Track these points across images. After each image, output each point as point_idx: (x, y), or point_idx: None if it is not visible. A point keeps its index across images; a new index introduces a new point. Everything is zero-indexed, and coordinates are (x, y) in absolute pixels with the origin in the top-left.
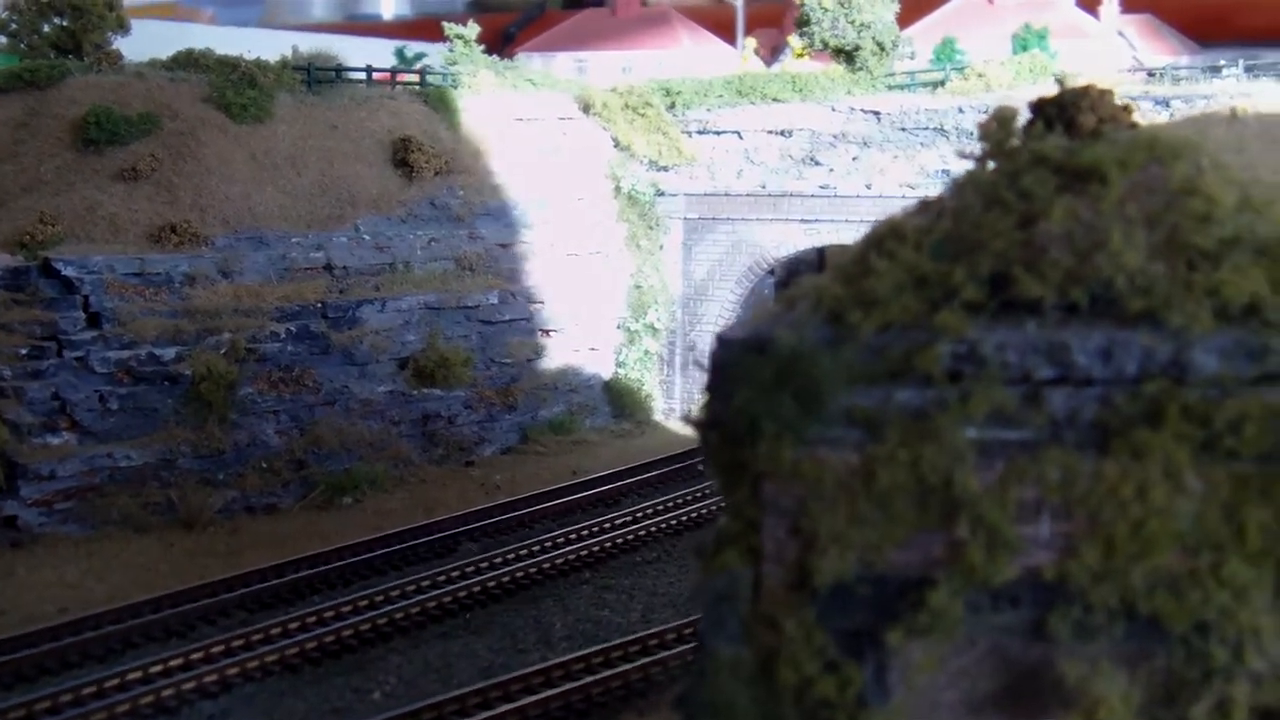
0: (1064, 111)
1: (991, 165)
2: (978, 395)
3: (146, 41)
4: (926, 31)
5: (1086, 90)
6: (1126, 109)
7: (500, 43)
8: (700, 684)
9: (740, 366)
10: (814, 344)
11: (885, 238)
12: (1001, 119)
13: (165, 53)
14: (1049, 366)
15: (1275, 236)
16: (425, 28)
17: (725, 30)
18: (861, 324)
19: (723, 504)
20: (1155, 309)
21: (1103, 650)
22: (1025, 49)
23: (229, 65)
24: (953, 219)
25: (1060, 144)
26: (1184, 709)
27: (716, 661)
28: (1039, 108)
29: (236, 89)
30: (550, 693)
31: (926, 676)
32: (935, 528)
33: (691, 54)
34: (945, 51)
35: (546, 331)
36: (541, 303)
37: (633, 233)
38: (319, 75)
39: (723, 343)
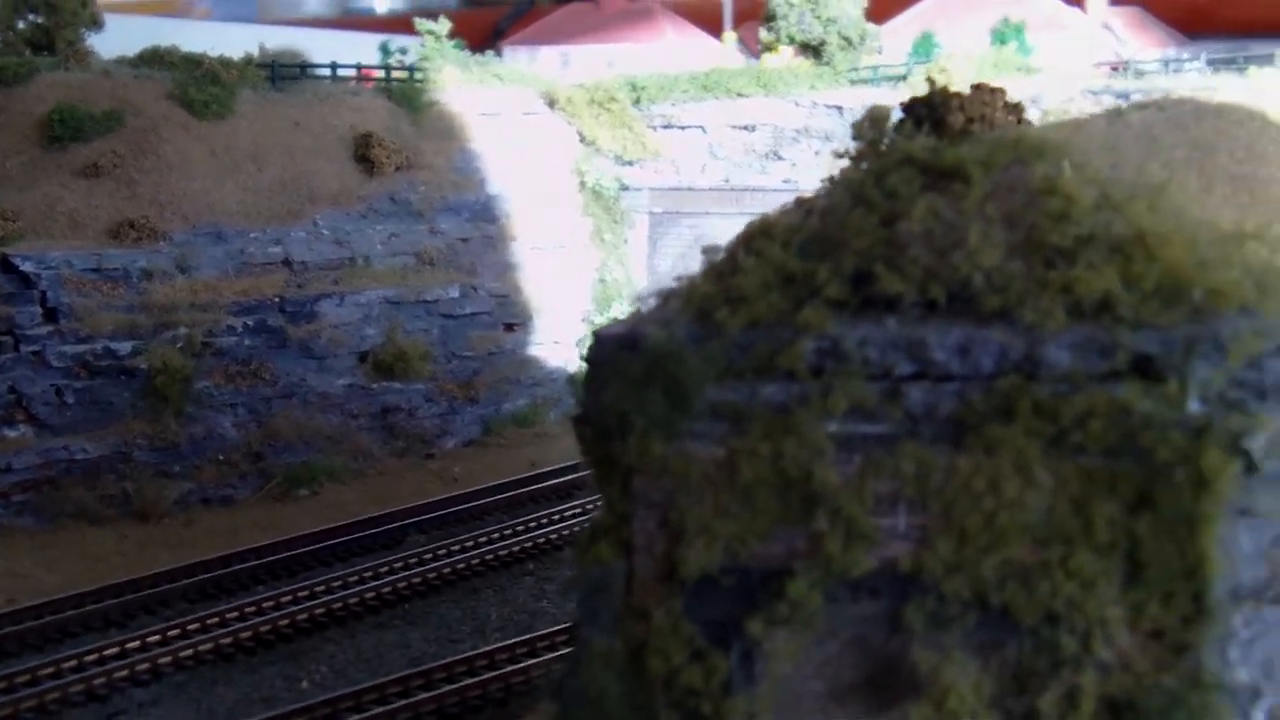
0: (934, 111)
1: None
2: (838, 390)
3: (131, 37)
4: (908, 25)
5: (956, 91)
6: (1015, 108)
7: (492, 37)
8: (574, 673)
9: (612, 363)
10: (682, 341)
11: (755, 236)
12: (874, 118)
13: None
14: (908, 362)
15: (1130, 234)
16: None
17: (714, 23)
18: (729, 321)
19: (596, 495)
20: (1010, 306)
21: (956, 640)
22: (1003, 42)
23: (193, 62)
24: (820, 218)
25: (927, 144)
26: (1033, 698)
27: (590, 651)
28: (910, 108)
29: (199, 86)
30: (469, 681)
31: (790, 666)
32: (796, 520)
33: (675, 47)
34: (924, 45)
35: (509, 325)
36: (504, 296)
37: (597, 227)
38: (283, 72)
39: (597, 339)
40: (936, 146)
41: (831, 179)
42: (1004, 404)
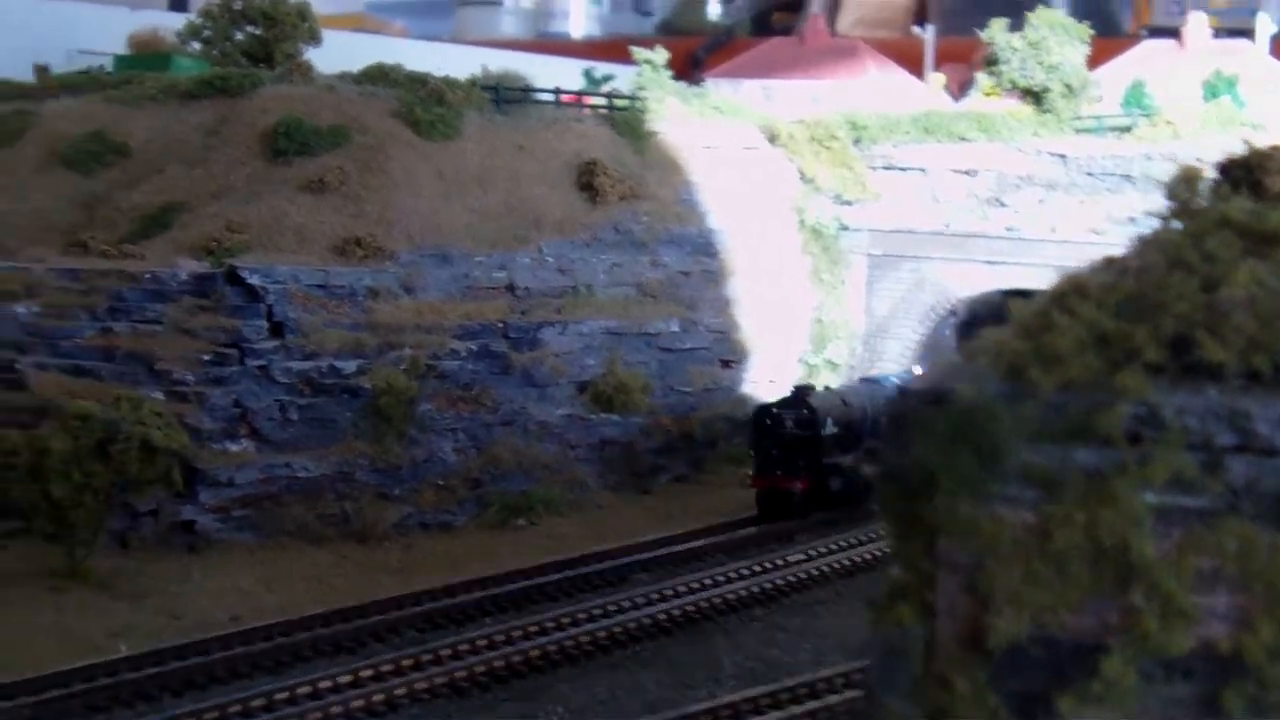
0: (1250, 173)
1: (1176, 225)
2: (1157, 459)
3: (335, 52)
4: (1116, 73)
5: (1273, 152)
6: None
7: (689, 67)
8: None
9: (919, 419)
10: (993, 399)
11: (1067, 294)
12: (1188, 178)
13: (353, 64)
14: (1230, 434)
15: None
16: (614, 49)
17: (914, 64)
18: (1042, 381)
19: (894, 554)
20: None
21: None
22: (1215, 96)
23: (418, 81)
24: (1136, 278)
25: (1246, 206)
26: None
27: (886, 716)
28: (1226, 169)
29: (425, 106)
30: None
31: None
32: (1110, 593)
33: (878, 86)
34: (1135, 94)
35: (726, 362)
36: (722, 332)
37: (816, 266)
38: (507, 95)
39: (903, 394)
40: (1257, 209)
41: (1143, 238)
42: None
